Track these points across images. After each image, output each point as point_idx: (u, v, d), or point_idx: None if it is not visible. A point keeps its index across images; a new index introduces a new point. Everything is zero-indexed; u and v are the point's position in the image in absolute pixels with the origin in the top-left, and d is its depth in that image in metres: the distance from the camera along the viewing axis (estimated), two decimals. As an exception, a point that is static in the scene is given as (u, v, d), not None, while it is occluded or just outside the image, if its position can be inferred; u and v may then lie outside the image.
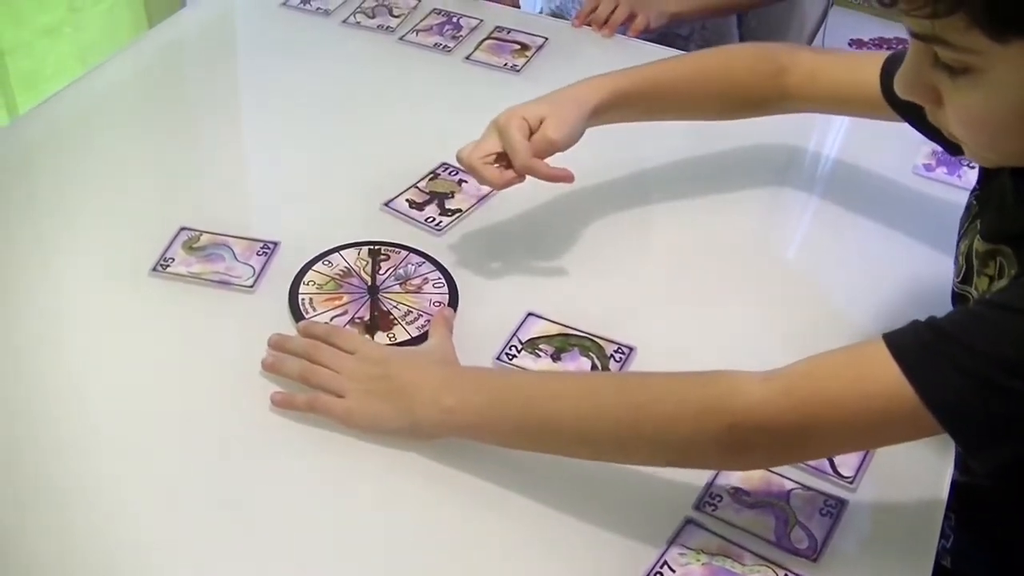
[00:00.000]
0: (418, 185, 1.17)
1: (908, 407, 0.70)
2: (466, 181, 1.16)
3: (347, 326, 0.98)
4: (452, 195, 1.15)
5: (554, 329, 0.98)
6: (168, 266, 1.04)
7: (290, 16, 1.49)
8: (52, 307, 1.01)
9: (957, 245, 0.91)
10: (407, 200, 1.15)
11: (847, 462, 0.86)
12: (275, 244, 1.07)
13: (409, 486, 0.85)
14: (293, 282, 1.03)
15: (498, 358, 0.95)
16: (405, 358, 0.91)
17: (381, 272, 1.05)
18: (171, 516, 0.82)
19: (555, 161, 1.01)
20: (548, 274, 1.07)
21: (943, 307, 0.85)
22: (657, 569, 0.78)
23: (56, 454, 0.86)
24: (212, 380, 0.93)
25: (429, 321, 0.98)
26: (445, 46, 1.43)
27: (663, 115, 1.12)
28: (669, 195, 1.19)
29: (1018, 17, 0.64)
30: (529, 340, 0.97)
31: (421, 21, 1.48)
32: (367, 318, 0.99)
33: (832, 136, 1.30)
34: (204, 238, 1.07)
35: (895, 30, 2.76)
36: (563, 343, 0.97)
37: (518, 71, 1.38)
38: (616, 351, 0.96)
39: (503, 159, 1.01)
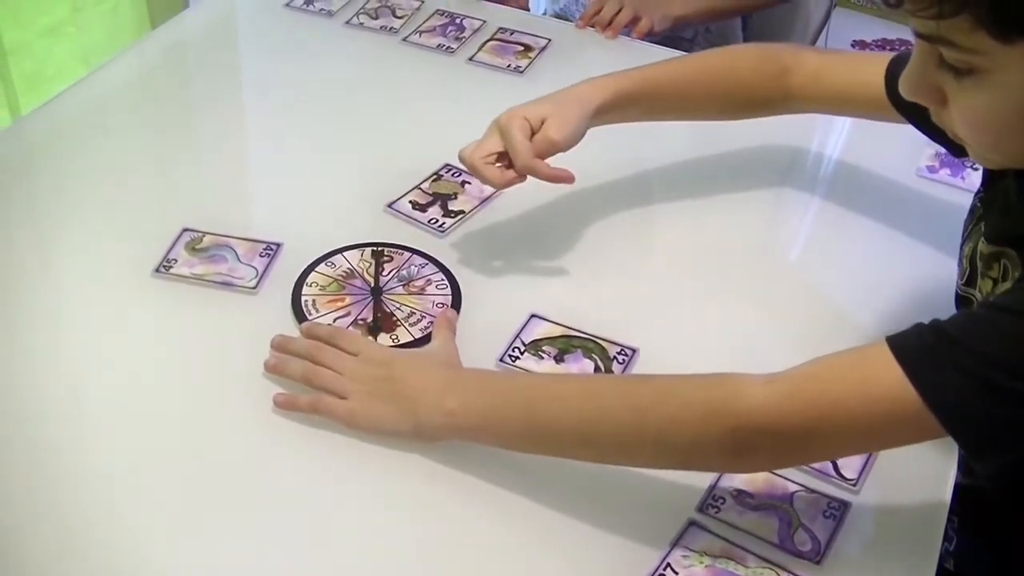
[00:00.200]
0: (421, 186, 1.17)
1: (911, 409, 0.70)
2: (469, 182, 1.16)
3: (350, 328, 0.98)
4: (455, 196, 1.15)
5: (557, 331, 0.98)
6: (171, 267, 1.04)
7: (293, 17, 1.49)
8: (54, 308, 1.01)
9: (961, 247, 0.90)
10: (410, 201, 1.15)
11: (850, 464, 0.86)
12: (278, 245, 1.07)
13: (411, 488, 0.85)
14: (296, 283, 1.03)
15: (501, 360, 0.95)
16: (408, 360, 0.91)
17: (384, 273, 1.04)
18: (173, 517, 0.82)
19: (557, 161, 1.01)
20: (551, 276, 1.07)
21: (947, 309, 0.85)
22: (660, 571, 0.78)
23: (58, 455, 0.86)
24: (215, 381, 0.93)
25: (432, 323, 0.98)
26: (448, 47, 1.43)
27: (666, 115, 1.12)
28: (672, 196, 1.19)
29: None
30: (532, 342, 0.97)
31: (424, 22, 1.48)
32: (370, 320, 0.99)
33: (835, 137, 1.30)
34: (207, 239, 1.07)
35: (898, 31, 2.76)
36: (566, 345, 0.97)
37: (521, 72, 1.38)
38: (619, 353, 0.96)
39: (504, 159, 1.01)
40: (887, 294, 1.05)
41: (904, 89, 0.75)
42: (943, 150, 1.03)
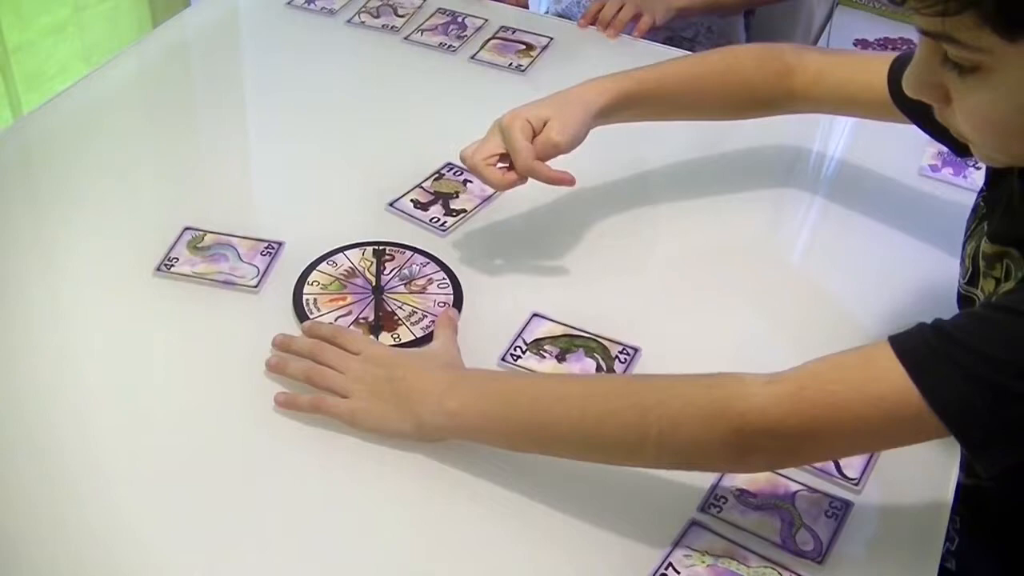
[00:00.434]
0: (423, 185, 1.16)
1: (913, 410, 0.70)
2: (471, 181, 1.16)
3: (351, 326, 0.98)
4: (457, 195, 1.15)
5: (559, 330, 0.98)
6: (172, 266, 1.04)
7: (295, 16, 1.49)
8: (56, 306, 1.01)
9: (963, 247, 0.90)
10: (412, 200, 1.14)
11: (852, 464, 0.86)
12: (279, 244, 1.07)
13: (412, 487, 0.85)
14: (297, 282, 1.03)
15: (503, 359, 0.95)
16: (410, 360, 0.91)
17: (386, 272, 1.04)
18: (174, 516, 0.82)
19: (558, 162, 1.01)
20: (553, 275, 1.07)
21: (949, 309, 0.85)
22: (662, 571, 0.78)
23: (59, 454, 0.86)
24: (216, 380, 0.93)
25: (434, 322, 0.98)
26: (450, 46, 1.43)
27: (668, 116, 1.12)
28: (674, 196, 1.19)
29: (1028, 16, 0.64)
30: (534, 341, 0.97)
31: (426, 21, 1.48)
32: (371, 318, 0.99)
33: (837, 137, 1.30)
34: (208, 238, 1.07)
35: (900, 30, 2.76)
36: (568, 344, 0.97)
37: (523, 71, 1.38)
38: (621, 352, 0.96)
39: (506, 160, 1.01)
40: (889, 294, 1.05)
41: (908, 87, 0.75)
42: (945, 149, 1.03)
